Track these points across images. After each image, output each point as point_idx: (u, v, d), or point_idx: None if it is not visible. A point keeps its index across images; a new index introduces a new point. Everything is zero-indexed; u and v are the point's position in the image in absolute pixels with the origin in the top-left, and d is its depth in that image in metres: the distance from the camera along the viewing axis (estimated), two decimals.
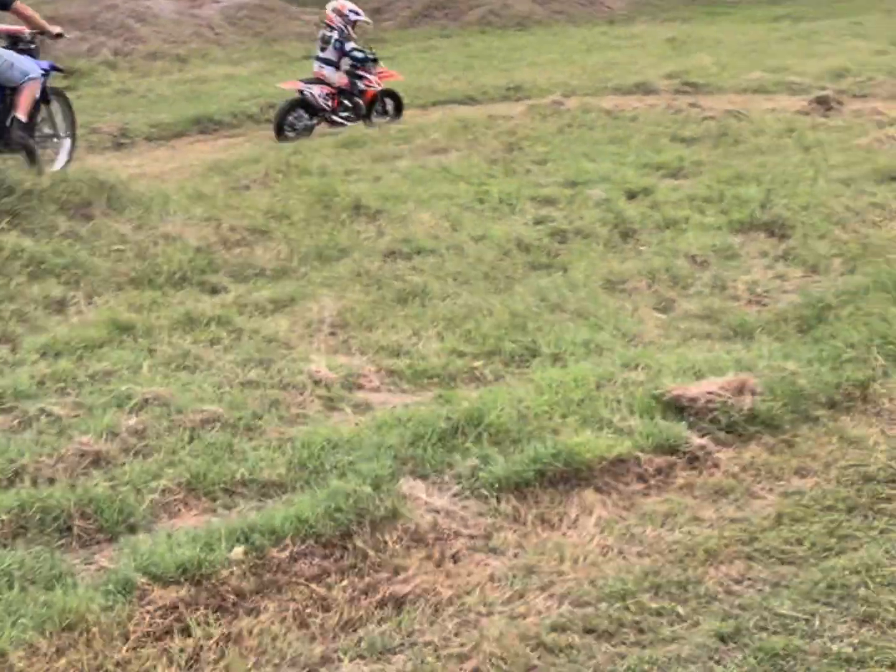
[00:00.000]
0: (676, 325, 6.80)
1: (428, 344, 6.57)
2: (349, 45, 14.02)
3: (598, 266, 7.87)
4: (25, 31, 10.81)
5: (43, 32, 11.02)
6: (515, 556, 4.45)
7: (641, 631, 3.97)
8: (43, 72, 10.75)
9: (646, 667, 3.75)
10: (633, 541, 4.54)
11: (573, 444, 4.95)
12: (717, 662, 3.77)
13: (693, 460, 5.09)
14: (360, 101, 14.11)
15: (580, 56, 19.07)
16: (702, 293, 7.35)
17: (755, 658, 3.76)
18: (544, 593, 4.19)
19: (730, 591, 4.19)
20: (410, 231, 8.69)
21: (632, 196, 9.67)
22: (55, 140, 11.64)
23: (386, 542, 4.42)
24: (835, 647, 3.79)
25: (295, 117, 13.84)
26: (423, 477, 4.90)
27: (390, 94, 14.58)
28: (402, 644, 3.92)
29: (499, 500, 4.76)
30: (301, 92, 13.70)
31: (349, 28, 14.11)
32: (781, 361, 5.81)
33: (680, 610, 4.08)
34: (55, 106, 11.57)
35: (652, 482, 4.95)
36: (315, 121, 13.92)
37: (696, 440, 5.15)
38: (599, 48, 20.19)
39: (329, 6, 14.18)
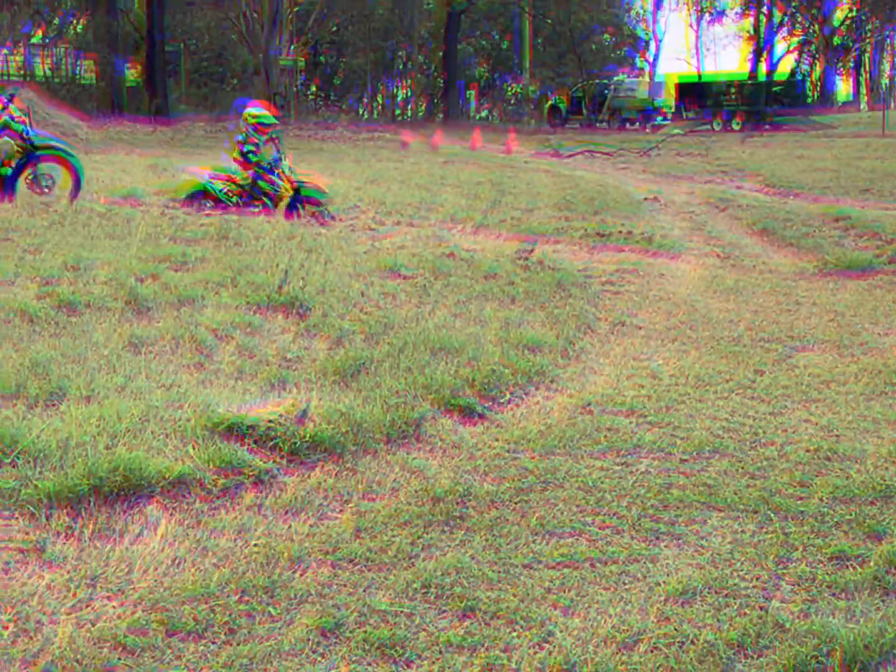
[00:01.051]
0: (211, 379, 6.45)
1: None
2: (246, 148, 14.08)
3: (119, 330, 7.37)
4: None
5: None
6: (75, 567, 3.91)
7: (232, 630, 3.60)
8: None
9: (244, 661, 3.39)
10: (206, 552, 4.16)
11: (132, 457, 4.47)
12: (322, 655, 3.48)
13: (259, 482, 4.79)
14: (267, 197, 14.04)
15: None
16: (232, 358, 7.07)
17: (361, 649, 3.53)
18: (114, 600, 3.73)
19: (321, 594, 3.91)
20: None
21: (140, 279, 9.26)
22: None
23: None
24: (442, 636, 3.61)
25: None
26: None
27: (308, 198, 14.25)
28: None
29: (49, 517, 4.18)
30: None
31: (250, 130, 14.19)
32: (333, 403, 5.66)
33: (272, 610, 3.73)
34: None
35: (218, 501, 4.61)
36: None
37: (261, 463, 4.86)
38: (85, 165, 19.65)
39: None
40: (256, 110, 14.75)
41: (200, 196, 14.17)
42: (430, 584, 3.99)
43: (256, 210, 13.96)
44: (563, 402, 6.54)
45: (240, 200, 14.08)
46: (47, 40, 51.96)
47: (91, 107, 40.74)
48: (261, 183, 14.14)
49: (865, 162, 27.35)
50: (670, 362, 7.63)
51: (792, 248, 14.32)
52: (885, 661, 3.30)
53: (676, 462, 5.53)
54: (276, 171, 14.25)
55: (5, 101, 13.58)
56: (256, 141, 14.26)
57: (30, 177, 13.76)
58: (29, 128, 13.96)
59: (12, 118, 13.65)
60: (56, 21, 51.56)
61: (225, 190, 14.11)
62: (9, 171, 13.70)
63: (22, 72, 46.89)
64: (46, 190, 13.89)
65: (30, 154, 13.85)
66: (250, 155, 14.26)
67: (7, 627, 3.45)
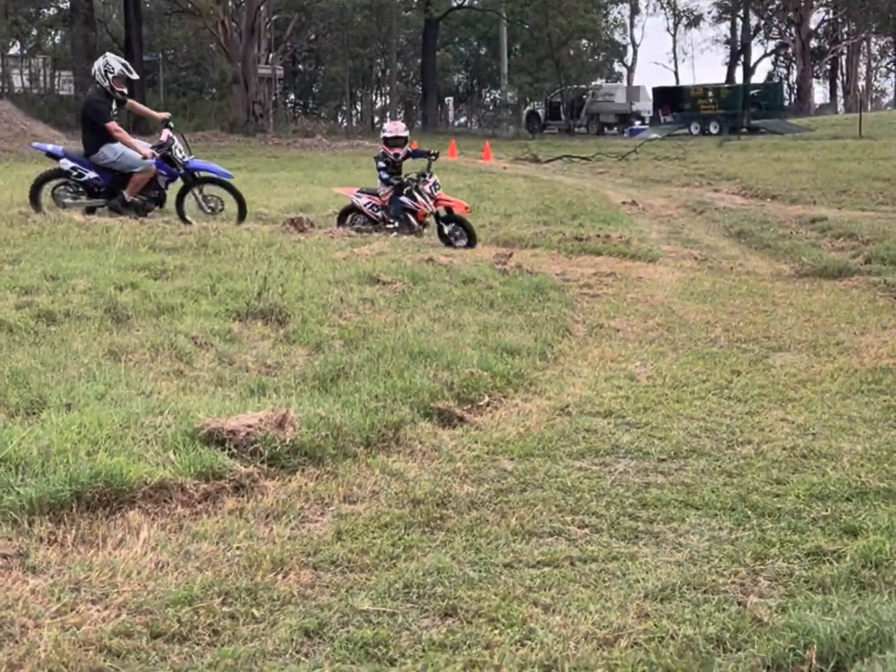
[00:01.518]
0: (190, 386, 6.48)
1: None
2: (380, 164, 14.44)
3: (99, 339, 7.39)
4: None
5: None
6: (59, 573, 3.94)
7: (216, 632, 3.63)
8: None
9: (228, 662, 3.42)
10: (189, 557, 4.18)
11: (113, 464, 4.50)
12: (306, 655, 3.51)
13: (240, 488, 4.82)
14: (405, 217, 14.04)
15: None
16: (211, 365, 7.09)
17: (345, 649, 3.56)
18: (98, 605, 3.75)
19: (304, 595, 3.94)
20: None
21: (119, 288, 9.27)
22: None
23: None
24: (425, 636, 3.64)
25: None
26: None
27: (457, 221, 14.09)
28: None
29: (31, 524, 4.20)
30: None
31: (385, 148, 14.47)
32: (313, 409, 5.69)
33: (255, 612, 3.77)
34: None
35: (199, 507, 4.62)
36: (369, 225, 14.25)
37: (242, 469, 4.89)
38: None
39: None
40: (391, 128, 14.95)
41: (352, 212, 14.56)
42: (412, 584, 4.02)
43: (394, 227, 14.00)
44: (541, 404, 6.59)
45: (385, 215, 14.20)
46: (25, 52, 51.87)
47: (70, 118, 40.67)
48: (401, 200, 14.05)
49: (842, 164, 27.55)
50: (648, 364, 7.68)
51: (768, 251, 14.43)
52: (861, 654, 3.34)
53: (654, 462, 5.59)
54: (418, 189, 14.02)
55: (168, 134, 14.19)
56: (390, 160, 14.26)
57: (199, 197, 14.32)
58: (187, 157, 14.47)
59: (171, 148, 14.17)
60: (34, 33, 51.49)
61: (370, 205, 14.30)
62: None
63: (0, 84, 46.82)
64: (212, 211, 14.37)
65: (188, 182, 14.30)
66: (383, 172, 14.26)
67: None
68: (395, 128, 14.88)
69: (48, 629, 3.51)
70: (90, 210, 14.35)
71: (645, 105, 57.59)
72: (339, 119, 60.34)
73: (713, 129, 49.11)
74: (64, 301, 8.55)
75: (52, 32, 52.78)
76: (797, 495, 4.99)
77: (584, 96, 61.05)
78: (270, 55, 51.10)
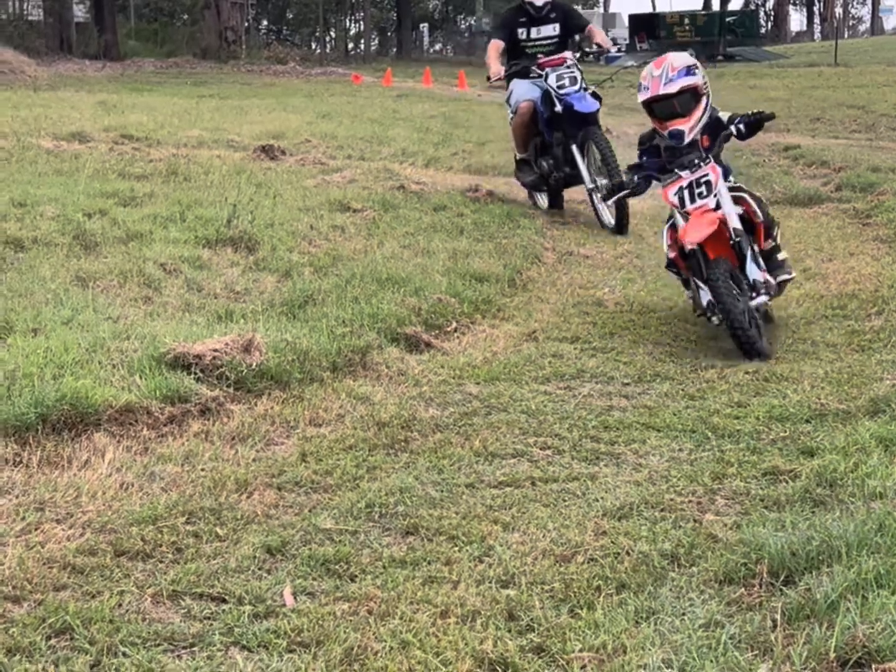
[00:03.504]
0: (158, 312, 6.48)
1: None
2: None
3: (67, 266, 7.38)
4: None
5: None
6: (24, 493, 3.99)
7: (179, 550, 3.69)
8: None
9: (191, 578, 3.47)
10: (153, 478, 4.24)
11: (78, 387, 4.52)
12: (268, 572, 3.57)
13: (206, 411, 4.87)
14: None
15: (9, 110, 18.18)
16: (180, 292, 7.09)
17: (306, 565, 3.62)
18: (63, 524, 3.81)
19: (268, 515, 4.00)
20: None
21: (88, 215, 9.22)
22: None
23: None
24: (385, 553, 3.71)
25: None
26: None
27: None
28: None
29: None
30: None
31: None
32: (280, 334, 5.72)
33: (218, 531, 3.82)
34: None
35: (165, 429, 4.67)
36: None
37: (208, 392, 4.93)
38: (27, 106, 19.40)
39: None
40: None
41: None
42: (375, 504, 4.08)
43: None
44: (508, 330, 6.63)
45: None
46: None
47: (39, 44, 40.09)
48: None
49: (817, 91, 27.47)
50: (616, 291, 7.73)
51: (740, 179, 14.36)
52: (810, 567, 3.42)
53: (619, 386, 5.65)
54: None
55: None
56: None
57: None
58: None
59: None
60: None
61: None
62: None
63: None
64: None
65: None
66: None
67: None
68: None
69: (12, 547, 3.56)
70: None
71: (621, 32, 57.11)
72: (313, 46, 59.66)
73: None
74: (32, 228, 8.52)
75: None
76: (757, 417, 5.06)
77: None
78: None
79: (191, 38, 45.77)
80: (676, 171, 6.55)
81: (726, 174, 6.81)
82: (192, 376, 5.03)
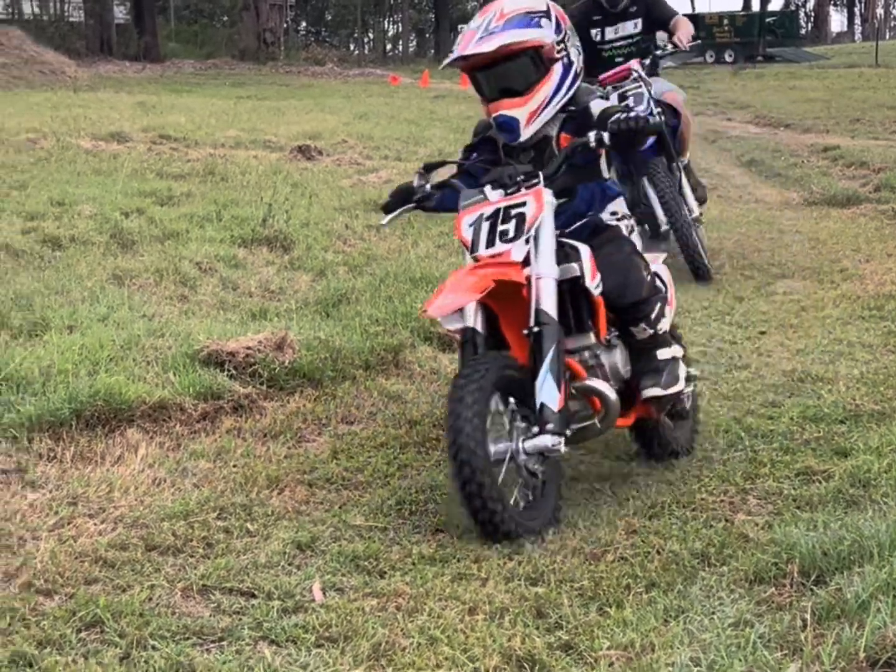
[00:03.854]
0: (193, 310, 6.52)
1: None
2: None
3: (103, 264, 7.43)
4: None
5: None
6: (57, 488, 4.02)
7: (210, 545, 3.72)
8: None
9: (221, 572, 3.49)
10: (185, 473, 4.27)
11: (112, 383, 4.56)
12: (298, 567, 3.58)
13: (238, 408, 4.90)
14: None
15: (49, 110, 18.34)
16: (215, 290, 7.13)
17: (336, 561, 3.64)
18: (95, 518, 3.84)
19: (298, 511, 4.03)
20: None
21: (125, 214, 9.29)
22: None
23: None
24: (415, 549, 3.71)
25: None
26: None
27: None
28: None
29: (31, 441, 4.28)
30: None
31: None
32: (313, 332, 5.74)
33: (249, 526, 3.84)
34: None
35: (198, 426, 4.71)
36: None
37: (241, 389, 4.95)
38: (67, 106, 19.56)
39: None
40: None
41: None
42: (405, 501, 4.09)
43: None
44: None
45: None
46: None
47: (80, 45, 40.45)
48: None
49: (857, 92, 27.25)
50: None
51: (779, 180, 14.34)
52: (841, 567, 3.39)
53: None
54: None
55: None
56: None
57: None
58: None
59: None
60: None
61: None
62: None
63: (10, 10, 46.52)
64: None
65: None
66: None
67: None
68: None
69: (45, 541, 3.59)
70: None
71: (660, 34, 56.90)
72: (351, 47, 59.88)
73: (728, 58, 48.55)
74: (70, 226, 8.58)
75: None
76: (791, 418, 5.03)
77: None
78: None
79: (230, 40, 46.06)
80: (485, 188, 4.27)
81: (601, 203, 4.49)
82: (226, 373, 5.05)
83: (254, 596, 3.34)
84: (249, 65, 39.10)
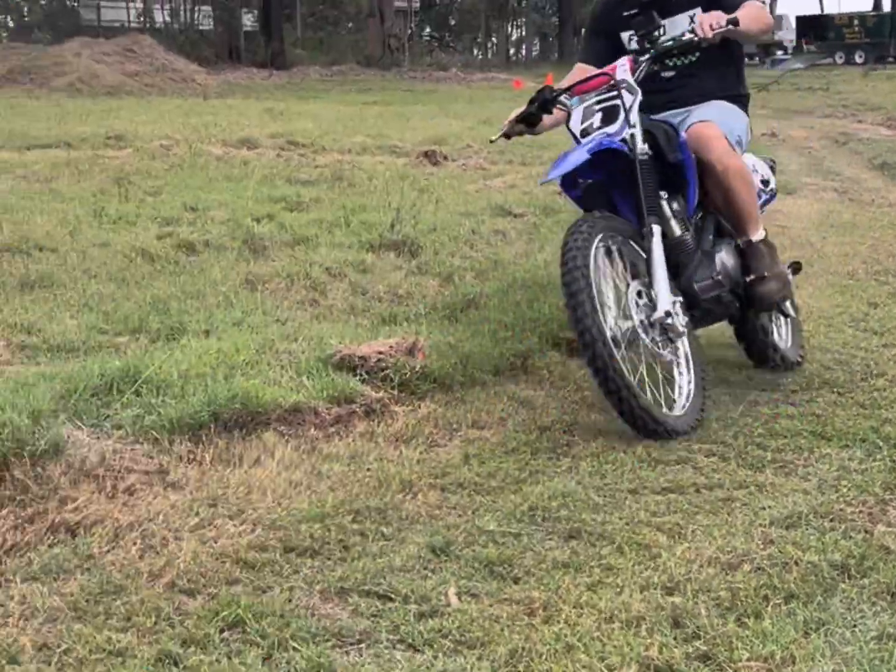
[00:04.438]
0: (324, 315, 6.62)
1: (63, 322, 6.04)
2: None
3: (236, 269, 7.60)
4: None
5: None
6: (197, 489, 4.12)
7: (346, 548, 3.75)
8: None
9: (358, 575, 3.52)
10: (321, 476, 4.32)
11: (249, 387, 4.66)
12: (433, 572, 3.60)
13: (370, 412, 4.95)
14: None
15: (181, 117, 18.83)
16: (345, 295, 7.23)
17: (470, 567, 3.63)
18: (235, 520, 3.90)
19: (432, 515, 4.04)
20: (25, 231, 8.06)
21: (257, 220, 9.48)
22: None
23: (49, 476, 3.93)
24: (549, 556, 3.71)
25: None
26: (79, 428, 4.41)
27: None
28: (81, 566, 3.49)
29: (171, 443, 4.39)
30: None
31: None
32: (442, 337, 5.78)
33: (384, 530, 3.88)
34: None
35: (331, 429, 4.77)
36: None
37: (373, 394, 5.01)
38: (197, 113, 20.05)
39: None
40: None
41: None
42: (537, 507, 4.09)
43: None
44: None
45: None
46: None
47: (209, 53, 41.33)
48: None
49: None
50: None
51: None
52: None
53: (786, 393, 5.54)
54: None
55: None
56: None
57: None
58: None
59: None
60: None
61: None
62: None
63: (142, 19, 47.78)
64: None
65: None
66: None
67: (135, 544, 3.64)
68: None
69: (187, 542, 3.67)
70: None
71: (788, 34, 55.95)
72: (475, 52, 60.06)
73: (858, 59, 47.56)
74: (203, 231, 8.79)
75: None
76: None
77: None
78: None
79: (355, 46, 46.62)
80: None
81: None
82: (358, 378, 5.12)
83: (390, 599, 3.38)
84: (374, 71, 39.52)
